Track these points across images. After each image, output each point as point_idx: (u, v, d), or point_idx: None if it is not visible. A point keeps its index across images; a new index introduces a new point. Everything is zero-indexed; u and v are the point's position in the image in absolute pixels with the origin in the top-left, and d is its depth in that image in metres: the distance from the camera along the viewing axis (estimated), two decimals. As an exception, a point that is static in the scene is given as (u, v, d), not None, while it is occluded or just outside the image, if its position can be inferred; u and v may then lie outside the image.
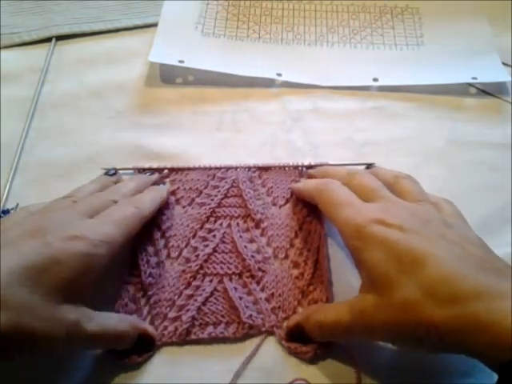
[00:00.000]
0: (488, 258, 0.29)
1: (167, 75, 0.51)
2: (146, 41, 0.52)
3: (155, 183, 0.42)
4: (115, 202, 0.36)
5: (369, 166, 0.42)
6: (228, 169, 0.43)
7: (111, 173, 0.42)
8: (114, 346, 0.33)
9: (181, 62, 0.49)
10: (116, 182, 0.42)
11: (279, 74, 0.50)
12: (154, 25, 0.54)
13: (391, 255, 0.28)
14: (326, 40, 0.54)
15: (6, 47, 0.54)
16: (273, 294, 0.36)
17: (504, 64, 0.50)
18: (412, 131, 0.47)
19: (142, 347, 0.34)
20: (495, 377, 0.26)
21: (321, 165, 0.43)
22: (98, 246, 0.31)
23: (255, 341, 0.35)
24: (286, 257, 0.38)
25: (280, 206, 0.41)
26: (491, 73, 0.50)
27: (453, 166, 0.44)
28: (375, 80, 0.50)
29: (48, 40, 0.54)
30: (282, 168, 0.43)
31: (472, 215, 0.35)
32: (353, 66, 0.52)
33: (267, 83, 0.50)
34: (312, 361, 0.34)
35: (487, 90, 0.50)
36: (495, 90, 0.50)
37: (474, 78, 0.49)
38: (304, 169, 0.43)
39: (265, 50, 0.53)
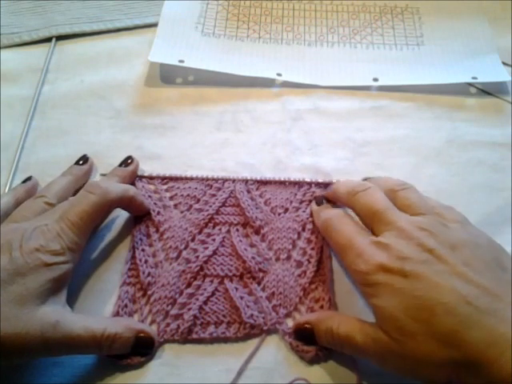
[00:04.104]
0: (494, 288, 0.29)
1: (167, 75, 0.51)
2: (146, 41, 0.53)
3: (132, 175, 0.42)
4: None
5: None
6: (225, 181, 0.42)
7: (84, 160, 0.43)
8: (108, 349, 0.32)
9: (181, 61, 0.49)
10: (88, 171, 0.42)
11: (279, 74, 0.50)
12: (154, 25, 0.54)
13: (399, 303, 0.29)
14: (326, 40, 0.54)
15: (6, 47, 0.54)
16: (273, 293, 0.36)
17: (504, 64, 0.50)
18: (412, 131, 0.47)
19: (142, 350, 0.34)
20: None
21: (322, 183, 0.42)
22: (59, 255, 0.32)
23: (256, 341, 0.35)
24: (289, 258, 0.38)
25: (279, 214, 0.40)
26: (491, 73, 0.49)
27: (452, 166, 0.44)
28: (375, 80, 0.50)
29: (48, 40, 0.54)
30: (283, 183, 0.42)
31: (472, 215, 0.35)
32: (353, 66, 0.52)
33: (267, 83, 0.50)
34: (312, 361, 0.34)
35: (487, 90, 0.50)
36: (495, 89, 0.49)
37: (474, 78, 0.49)
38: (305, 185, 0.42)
39: (265, 50, 0.53)
